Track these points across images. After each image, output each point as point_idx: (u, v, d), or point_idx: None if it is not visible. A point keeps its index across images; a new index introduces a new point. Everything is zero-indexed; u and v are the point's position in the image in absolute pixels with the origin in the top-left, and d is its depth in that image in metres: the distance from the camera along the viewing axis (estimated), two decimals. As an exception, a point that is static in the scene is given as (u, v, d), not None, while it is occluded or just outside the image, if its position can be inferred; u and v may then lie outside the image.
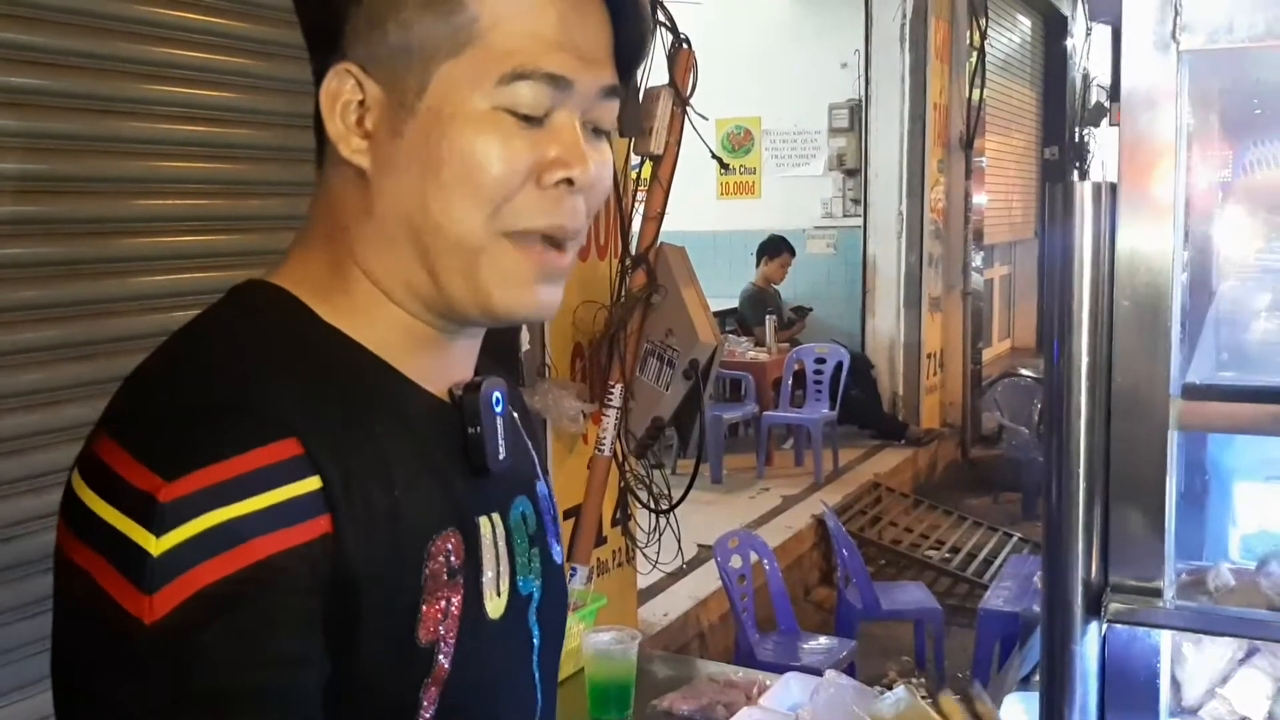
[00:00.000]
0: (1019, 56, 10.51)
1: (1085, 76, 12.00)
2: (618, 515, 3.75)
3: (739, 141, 8.15)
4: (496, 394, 0.81)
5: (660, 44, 3.47)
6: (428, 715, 0.73)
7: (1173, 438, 0.76)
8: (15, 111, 2.35)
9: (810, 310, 7.52)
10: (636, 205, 3.66)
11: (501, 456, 0.81)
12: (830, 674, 2.10)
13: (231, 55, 2.77)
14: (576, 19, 0.75)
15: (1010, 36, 10.05)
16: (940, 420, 7.93)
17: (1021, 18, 10.47)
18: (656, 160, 3.50)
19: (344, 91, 0.75)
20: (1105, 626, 0.76)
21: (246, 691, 0.64)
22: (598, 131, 0.79)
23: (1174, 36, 0.73)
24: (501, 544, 0.81)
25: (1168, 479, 0.76)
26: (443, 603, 0.74)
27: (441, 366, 0.80)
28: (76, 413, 2.50)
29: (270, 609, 0.65)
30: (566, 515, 3.52)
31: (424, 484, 0.75)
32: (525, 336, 3.41)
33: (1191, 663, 0.77)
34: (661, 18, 3.42)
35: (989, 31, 8.21)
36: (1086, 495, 0.76)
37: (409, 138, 0.74)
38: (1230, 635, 0.76)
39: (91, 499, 0.68)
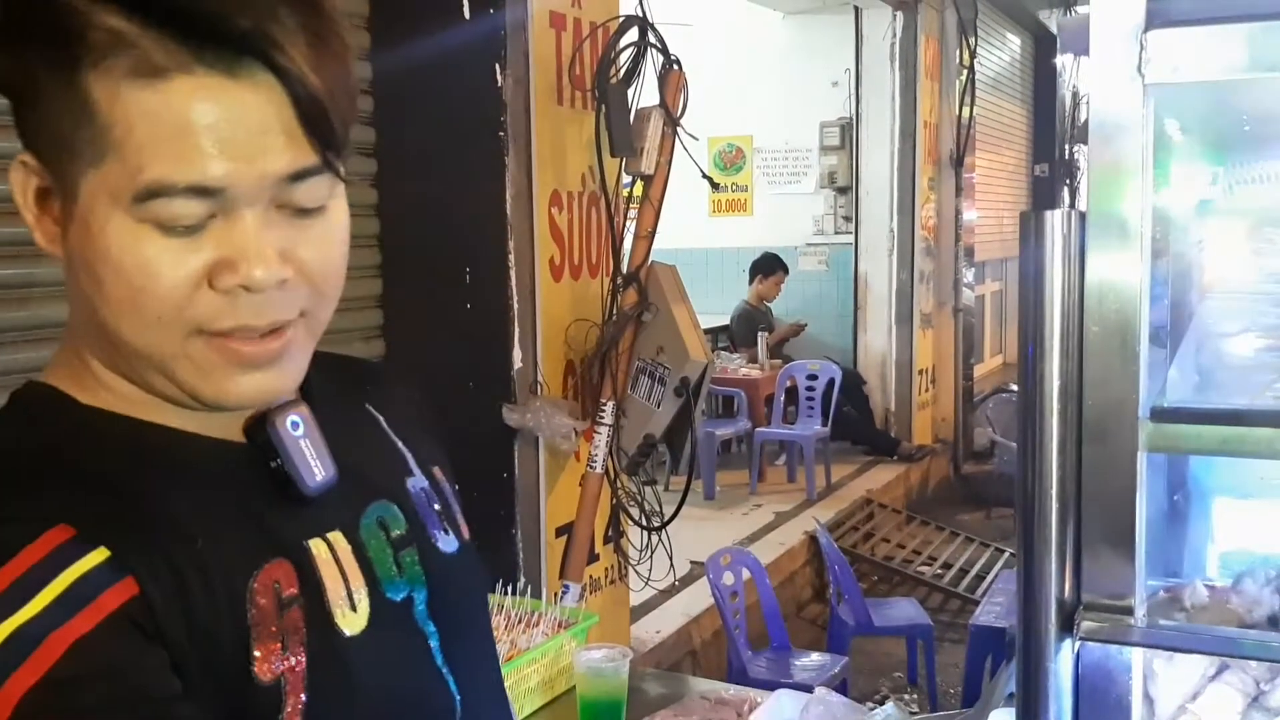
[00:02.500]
0: (1009, 75, 10.58)
1: (1075, 94, 12.08)
2: (610, 532, 3.76)
3: (730, 160, 8.19)
4: (293, 418, 0.79)
5: (651, 65, 3.50)
6: None
7: (1142, 459, 0.78)
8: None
9: (805, 326, 7.55)
10: (628, 224, 3.69)
11: (320, 476, 0.79)
12: (820, 691, 2.11)
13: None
14: (227, 116, 0.67)
15: (1000, 55, 10.12)
16: (932, 436, 7.96)
17: (1011, 36, 10.55)
18: (647, 180, 3.52)
19: (23, 181, 0.72)
20: (1078, 644, 0.77)
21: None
22: (305, 211, 0.73)
23: (1140, 70, 0.75)
24: (348, 559, 0.80)
25: (1138, 500, 0.77)
26: (280, 638, 0.74)
27: (223, 419, 0.78)
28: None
29: (99, 693, 0.65)
30: (559, 532, 3.53)
31: (231, 529, 0.75)
32: (517, 354, 3.43)
33: (1164, 679, 0.79)
34: (652, 39, 3.46)
35: (979, 50, 8.27)
36: (1059, 516, 0.78)
37: (72, 242, 0.72)
38: (1199, 653, 0.78)
39: None
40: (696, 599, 4.55)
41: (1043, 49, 11.46)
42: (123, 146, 0.67)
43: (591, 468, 3.53)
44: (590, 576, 3.66)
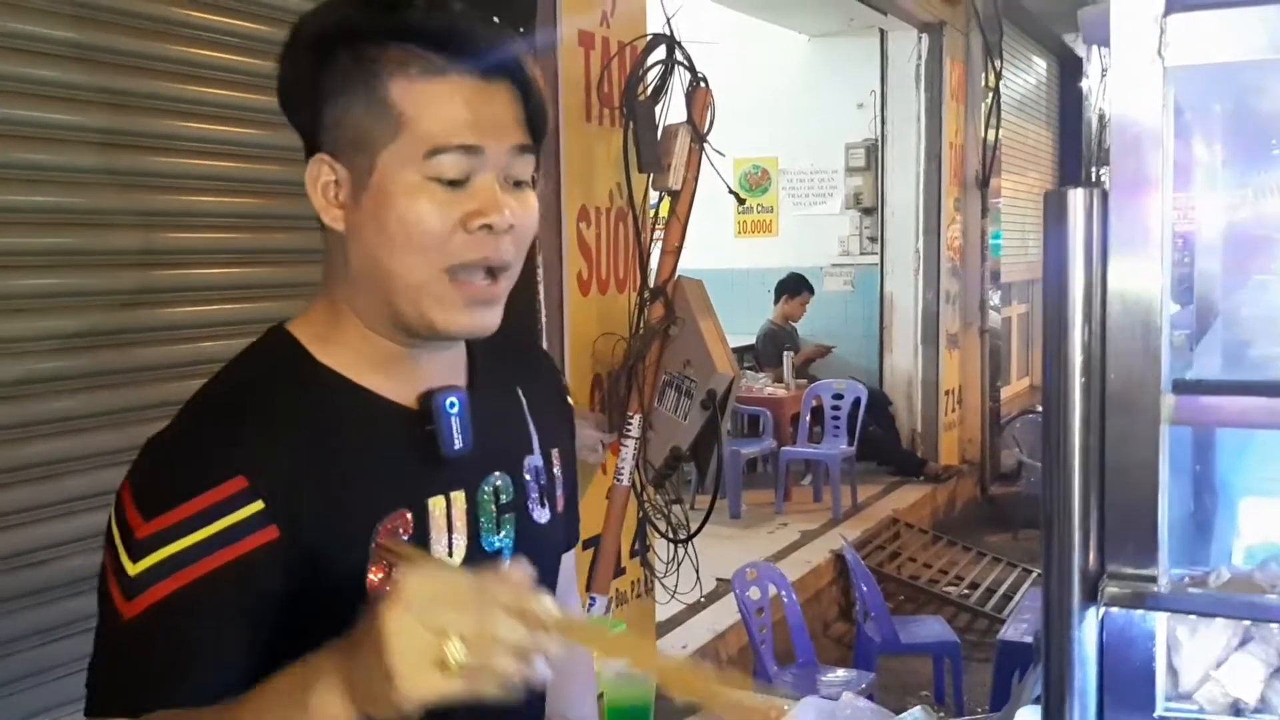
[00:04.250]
0: (1034, 97, 10.59)
1: (1100, 117, 12.07)
2: (636, 546, 3.78)
3: (756, 181, 8.22)
4: (452, 398, 1.03)
5: (679, 82, 3.55)
6: None
7: (1165, 432, 0.79)
8: (50, 146, 2.43)
9: (833, 348, 7.56)
10: (655, 240, 3.73)
11: (458, 446, 1.03)
12: (848, 696, 2.11)
13: (258, 93, 2.85)
14: (480, 100, 0.97)
15: (1025, 77, 10.13)
16: (959, 457, 7.92)
17: (1037, 59, 10.56)
18: (674, 195, 3.56)
19: (320, 175, 1.00)
20: (1102, 612, 0.79)
21: (196, 656, 0.92)
22: (519, 184, 1.00)
23: (1159, 53, 0.77)
24: (460, 515, 1.05)
25: (1160, 472, 0.79)
26: (384, 566, 0.97)
27: (414, 383, 1.03)
28: (106, 440, 2.55)
29: (228, 597, 0.92)
30: (586, 545, 3.55)
31: (381, 476, 1.00)
32: (545, 368, 3.46)
33: (1187, 650, 0.80)
34: (679, 57, 3.50)
35: (1004, 72, 8.29)
36: (1082, 488, 0.80)
37: (366, 207, 0.98)
38: (1222, 615, 0.79)
39: (112, 528, 0.96)
40: (722, 615, 4.54)
41: (1068, 72, 11.46)
42: (414, 124, 0.96)
43: (618, 481, 3.56)
44: (616, 590, 3.67)
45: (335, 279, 1.04)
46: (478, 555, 1.05)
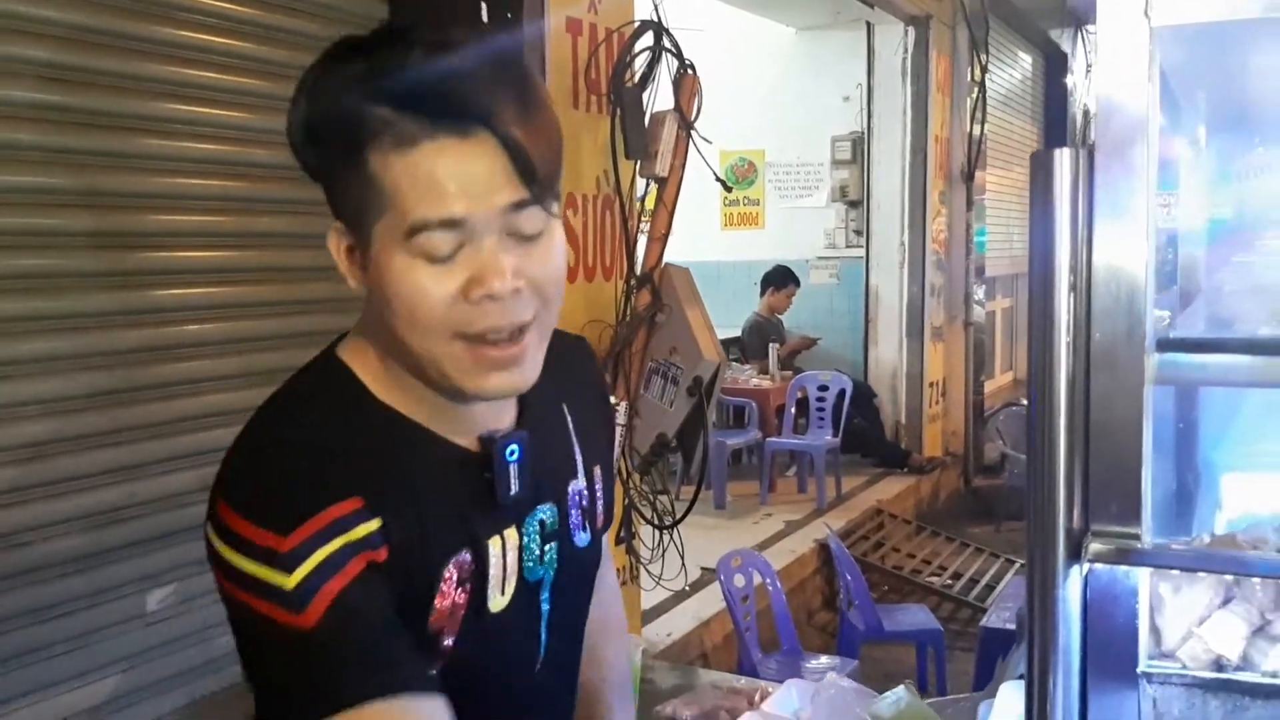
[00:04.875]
0: (1020, 92, 10.62)
1: (1085, 113, 12.12)
2: (622, 533, 3.78)
3: (743, 173, 8.23)
4: (512, 446, 1.03)
5: (667, 69, 3.55)
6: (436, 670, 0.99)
7: (1149, 390, 0.80)
8: (40, 127, 2.41)
9: (818, 340, 7.58)
10: (642, 227, 3.73)
11: (514, 492, 1.03)
12: (831, 676, 2.13)
13: (248, 77, 2.84)
14: (460, 165, 0.91)
15: (1011, 72, 10.16)
16: (943, 449, 7.96)
17: (1022, 54, 10.59)
18: (661, 183, 3.57)
19: (339, 241, 0.98)
20: (1087, 569, 0.80)
21: (381, 643, 0.93)
22: (527, 236, 0.95)
23: (1146, 13, 0.78)
24: (511, 554, 1.05)
25: (1144, 430, 0.80)
26: (449, 603, 1.00)
27: (467, 423, 1.03)
28: (93, 421, 2.55)
29: (375, 596, 0.93)
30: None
31: (447, 518, 1.00)
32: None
33: (1170, 608, 0.81)
34: (667, 44, 3.51)
35: (990, 67, 8.31)
36: (1067, 447, 0.81)
37: (372, 277, 0.96)
38: (1205, 570, 0.80)
39: (235, 558, 0.92)
40: (707, 604, 4.56)
41: (1053, 68, 11.50)
42: (394, 200, 0.92)
43: (604, 468, 3.56)
44: (602, 577, 3.68)
45: (376, 326, 1.01)
46: (522, 589, 1.06)
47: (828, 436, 6.70)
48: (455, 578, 1.00)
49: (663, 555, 3.69)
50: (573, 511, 1.12)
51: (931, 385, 7.79)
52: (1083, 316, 0.81)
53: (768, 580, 4.10)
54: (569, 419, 1.15)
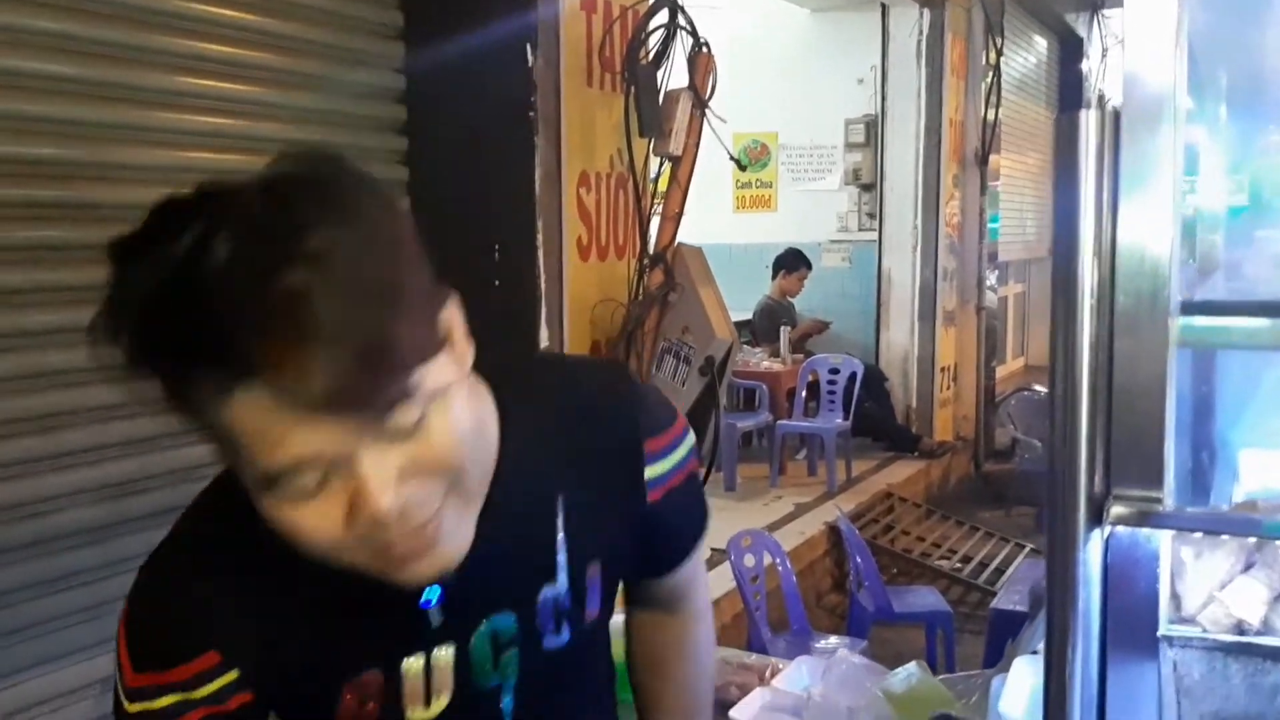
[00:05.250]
0: (1035, 76, 10.56)
1: (1100, 98, 12.04)
2: (632, 513, 3.79)
3: (756, 155, 8.20)
4: (426, 596, 0.95)
5: (681, 47, 3.54)
6: None
7: (1172, 353, 0.80)
8: (48, 98, 2.41)
9: (830, 324, 7.56)
10: (655, 209, 3.72)
11: (435, 624, 0.95)
12: (842, 652, 2.13)
13: (260, 50, 2.84)
14: (281, 407, 0.75)
15: (1026, 57, 10.10)
16: (953, 434, 7.94)
17: (1038, 38, 10.52)
18: (675, 161, 3.55)
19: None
20: (1108, 532, 0.80)
21: None
22: (405, 429, 0.80)
23: (1174, -28, 0.77)
24: (443, 669, 0.97)
25: (1168, 393, 0.79)
26: (353, 715, 0.95)
27: None
28: (103, 394, 2.55)
29: None
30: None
31: (346, 636, 0.94)
32: (544, 333, 3.46)
33: (1191, 573, 0.81)
34: (682, 21, 3.49)
35: (1005, 51, 8.26)
36: (1090, 410, 0.80)
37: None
38: (1228, 533, 0.79)
39: (116, 641, 0.94)
40: (716, 584, 4.55)
41: (1069, 53, 11.43)
42: (239, 448, 0.78)
43: (615, 447, 3.56)
44: (612, 555, 3.68)
45: None
46: (467, 696, 0.99)
47: (838, 420, 6.69)
48: (357, 696, 0.95)
49: (673, 535, 3.69)
50: (543, 616, 1.00)
51: (943, 370, 7.77)
52: (1106, 280, 0.80)
53: (778, 560, 4.10)
54: (559, 514, 1.00)
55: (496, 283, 3.40)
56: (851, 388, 6.76)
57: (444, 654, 0.97)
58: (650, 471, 1.03)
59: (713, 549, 4.61)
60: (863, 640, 3.95)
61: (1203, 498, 1.40)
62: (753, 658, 2.47)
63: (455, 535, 0.86)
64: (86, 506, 2.52)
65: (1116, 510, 0.78)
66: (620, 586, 1.14)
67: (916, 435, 7.47)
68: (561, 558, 1.01)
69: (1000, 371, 9.37)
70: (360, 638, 0.95)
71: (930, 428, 7.63)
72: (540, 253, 3.40)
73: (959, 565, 5.80)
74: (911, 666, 1.96)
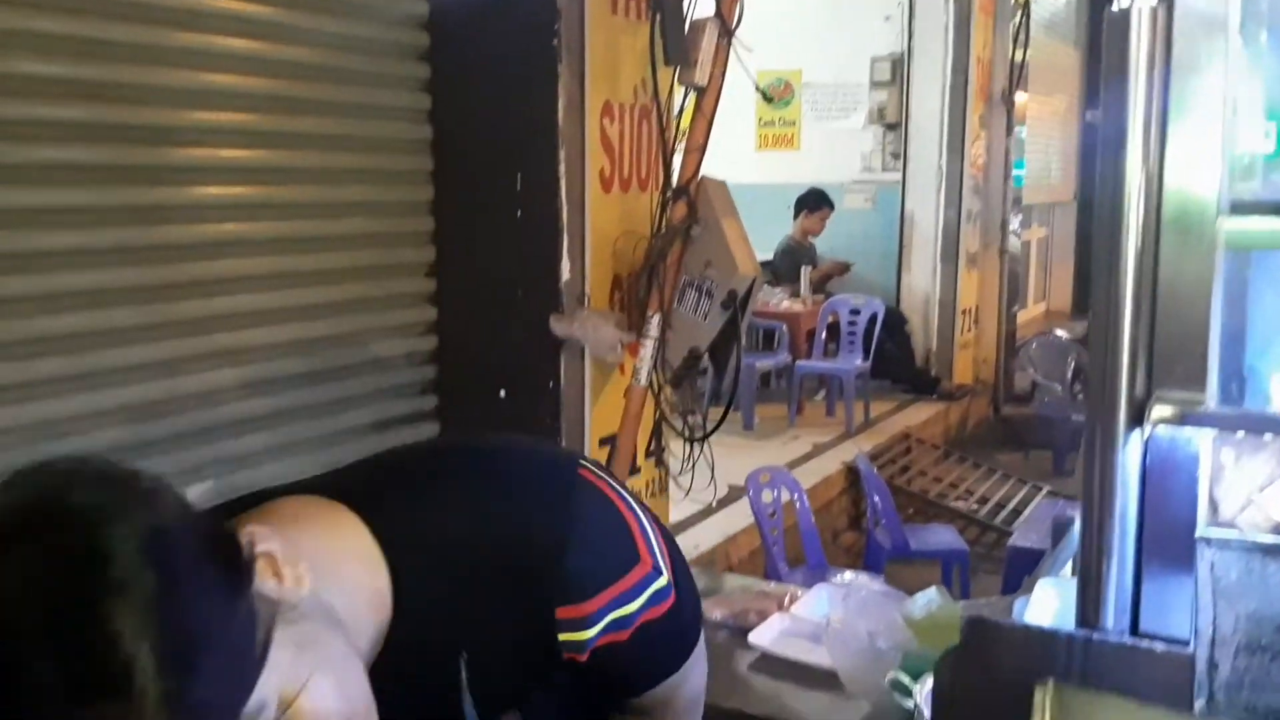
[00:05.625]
0: (1063, 16, 10.38)
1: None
2: (652, 446, 3.80)
3: (779, 94, 8.11)
4: None
5: (706, -25, 3.47)
6: None
7: (1220, 253, 0.79)
8: (68, 17, 2.39)
9: (852, 265, 7.51)
10: (679, 139, 3.68)
11: None
12: (863, 578, 2.14)
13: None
14: None
15: (1056, -5, 9.93)
16: (973, 377, 7.92)
17: (1068, -24, 10.34)
18: (700, 92, 3.51)
19: None
20: (1149, 432, 0.79)
21: None
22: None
23: None
24: None
25: (1215, 293, 0.78)
26: None
27: None
28: (131, 315, 2.57)
29: None
30: (602, 443, 3.57)
31: None
32: (565, 265, 3.45)
33: (1230, 476, 0.80)
34: (708, -52, 3.43)
35: (1035, -12, 8.12)
36: (1134, 310, 0.79)
37: None
38: (1270, 431, 0.79)
39: None
40: (734, 520, 4.59)
41: (1100, -8, 11.21)
42: None
43: (636, 381, 3.56)
44: (632, 489, 3.70)
45: None
46: None
47: (857, 361, 6.68)
48: None
49: (692, 469, 3.70)
50: None
51: (964, 312, 7.73)
52: (1155, 178, 0.79)
53: (796, 497, 4.12)
54: (463, 673, 0.92)
55: (518, 213, 3.38)
56: (872, 329, 6.74)
57: None
58: (567, 639, 0.92)
59: (730, 486, 4.63)
60: (879, 576, 3.97)
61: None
62: (772, 585, 2.49)
63: None
64: (114, 427, 2.54)
65: (1158, 410, 0.77)
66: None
67: (935, 378, 7.45)
68: (469, 709, 0.93)
69: (1021, 317, 9.32)
70: None
71: (949, 370, 7.61)
72: (563, 184, 3.37)
73: (975, 506, 5.81)
74: (931, 592, 1.96)
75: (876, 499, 4.45)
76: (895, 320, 7.38)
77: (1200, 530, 0.77)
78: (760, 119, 8.00)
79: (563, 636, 0.92)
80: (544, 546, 0.91)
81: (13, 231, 2.31)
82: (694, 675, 1.09)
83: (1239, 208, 0.78)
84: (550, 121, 3.34)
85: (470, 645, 0.92)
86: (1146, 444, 0.79)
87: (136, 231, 2.56)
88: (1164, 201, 0.79)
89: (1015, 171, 8.24)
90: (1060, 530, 2.40)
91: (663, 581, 0.97)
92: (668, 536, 1.09)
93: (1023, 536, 3.90)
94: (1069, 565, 1.87)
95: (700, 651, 1.09)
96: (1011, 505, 5.80)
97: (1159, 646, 0.78)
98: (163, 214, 2.62)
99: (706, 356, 3.69)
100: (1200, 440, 0.79)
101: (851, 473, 5.47)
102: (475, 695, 0.92)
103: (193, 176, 2.69)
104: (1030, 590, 1.68)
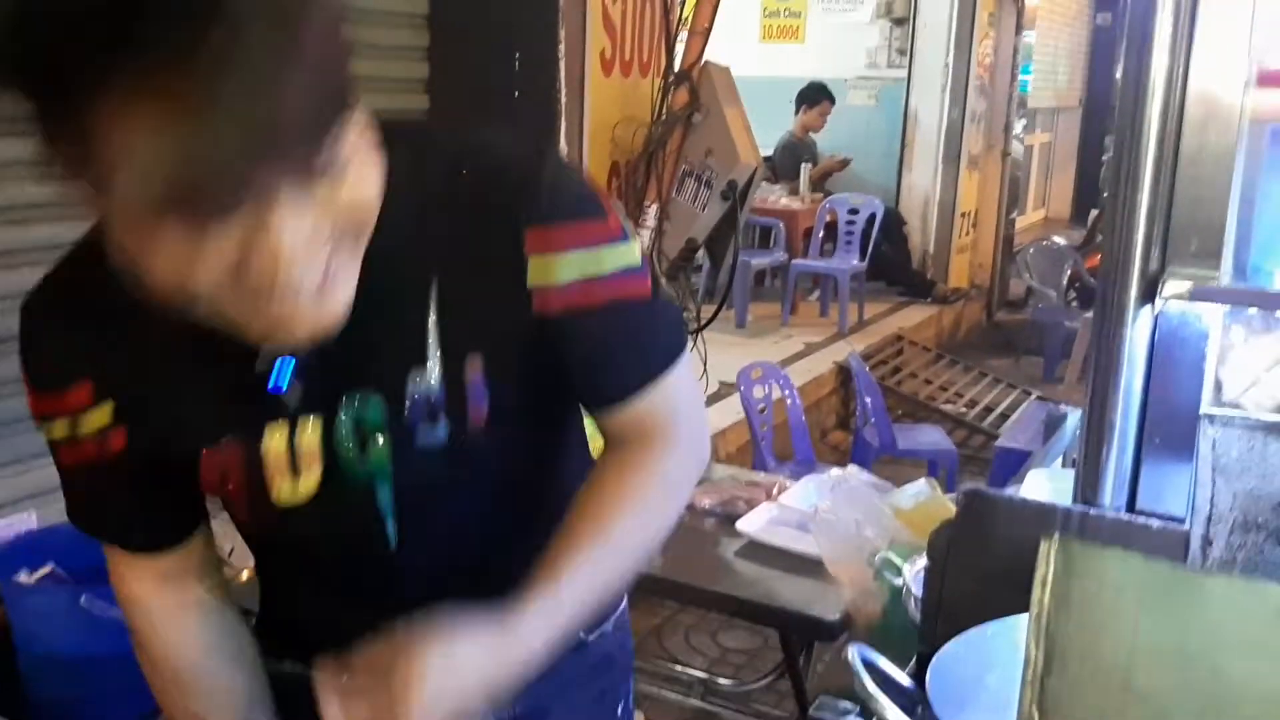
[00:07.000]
0: (1082, -87, 10.10)
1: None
2: (645, 337, 3.79)
3: (786, -17, 7.92)
4: (279, 365, 0.89)
5: None
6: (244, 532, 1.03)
7: (1244, 126, 0.76)
8: None
9: (849, 160, 7.41)
10: (683, 22, 3.60)
11: (284, 389, 0.89)
12: (852, 468, 2.15)
13: None
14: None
15: (1075, -110, 9.65)
16: (968, 281, 7.90)
17: None
18: (705, -29, 3.42)
19: None
20: (1159, 308, 0.77)
21: (108, 509, 1.00)
22: (320, 181, 0.74)
23: None
24: (309, 444, 0.92)
25: (1236, 165, 0.76)
26: (216, 490, 0.95)
27: None
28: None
29: (105, 475, 0.96)
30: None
31: (206, 400, 0.92)
32: (563, 149, 3.39)
33: (1237, 355, 0.79)
34: None
35: (1054, -119, 7.87)
36: (1153, 180, 0.77)
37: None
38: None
39: None
40: (724, 414, 4.60)
41: (1120, -112, 10.88)
42: (117, 171, 0.70)
43: (631, 270, 3.53)
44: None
45: None
46: (338, 487, 0.93)
47: (854, 261, 6.64)
48: (217, 469, 0.93)
49: (685, 360, 3.70)
50: (415, 404, 0.91)
51: (963, 215, 7.67)
52: (1182, 53, 0.76)
53: (786, 393, 4.12)
54: (433, 295, 0.90)
55: (515, 94, 3.31)
56: (870, 230, 6.69)
57: (308, 429, 0.92)
58: (535, 271, 0.89)
59: (721, 382, 4.63)
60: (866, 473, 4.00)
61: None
62: (761, 475, 2.50)
63: (335, 302, 0.81)
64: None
65: (1170, 284, 0.76)
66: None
67: (931, 280, 7.43)
68: (432, 341, 0.91)
69: (1020, 223, 9.26)
70: (221, 402, 0.91)
71: (945, 273, 7.58)
72: (561, 65, 3.30)
73: (964, 410, 5.85)
74: (921, 484, 1.98)
75: (867, 399, 4.46)
76: (893, 221, 7.32)
77: (1204, 407, 0.76)
78: (765, 9, 7.81)
79: (532, 264, 0.89)
80: (519, 170, 0.91)
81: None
82: (682, 404, 1.00)
83: (1268, 78, 0.75)
84: (551, 2, 3.25)
85: (442, 270, 0.90)
86: (1156, 320, 0.78)
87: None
88: (1190, 68, 0.76)
89: (1022, 76, 8.09)
90: (1053, 426, 2.41)
91: (633, 254, 0.94)
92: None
93: (1010, 438, 3.91)
94: (1059, 460, 1.88)
95: (687, 384, 1.01)
96: (1000, 409, 5.83)
97: (1155, 523, 0.77)
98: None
99: (703, 250, 3.66)
100: (1210, 318, 0.78)
101: (843, 372, 5.48)
102: (443, 324, 0.90)
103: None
104: (1021, 481, 1.68)
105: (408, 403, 0.91)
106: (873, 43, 7.73)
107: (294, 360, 0.89)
